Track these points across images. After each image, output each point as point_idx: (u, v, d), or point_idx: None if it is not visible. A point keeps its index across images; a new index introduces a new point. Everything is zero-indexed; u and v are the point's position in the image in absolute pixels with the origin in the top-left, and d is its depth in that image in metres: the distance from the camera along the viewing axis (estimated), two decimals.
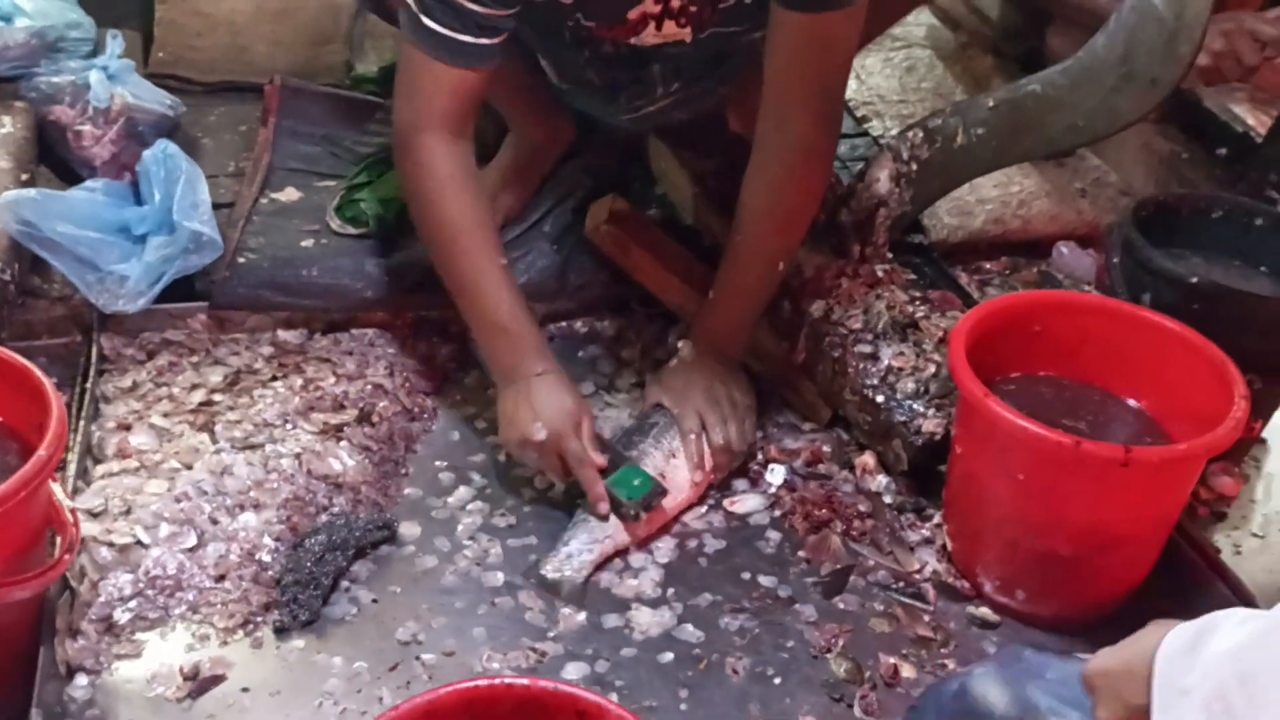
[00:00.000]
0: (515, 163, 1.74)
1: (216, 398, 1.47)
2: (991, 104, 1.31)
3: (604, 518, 1.34)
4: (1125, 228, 1.48)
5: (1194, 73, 1.50)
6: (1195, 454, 1.16)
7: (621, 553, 1.36)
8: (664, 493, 1.36)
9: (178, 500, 1.29)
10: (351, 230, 1.67)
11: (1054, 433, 1.16)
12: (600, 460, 1.36)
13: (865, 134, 2.07)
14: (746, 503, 1.46)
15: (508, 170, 1.74)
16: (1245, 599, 1.26)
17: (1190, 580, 1.30)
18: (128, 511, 1.27)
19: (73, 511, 1.14)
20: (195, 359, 1.54)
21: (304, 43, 2.04)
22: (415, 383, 1.57)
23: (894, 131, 2.05)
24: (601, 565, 1.33)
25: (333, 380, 1.51)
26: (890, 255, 1.62)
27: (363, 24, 2.11)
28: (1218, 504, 1.48)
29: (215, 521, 1.28)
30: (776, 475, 1.48)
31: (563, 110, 1.76)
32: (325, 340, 1.60)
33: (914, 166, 1.44)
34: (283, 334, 1.60)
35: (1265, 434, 1.57)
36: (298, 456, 1.38)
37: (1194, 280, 1.39)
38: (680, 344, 1.52)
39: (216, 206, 1.60)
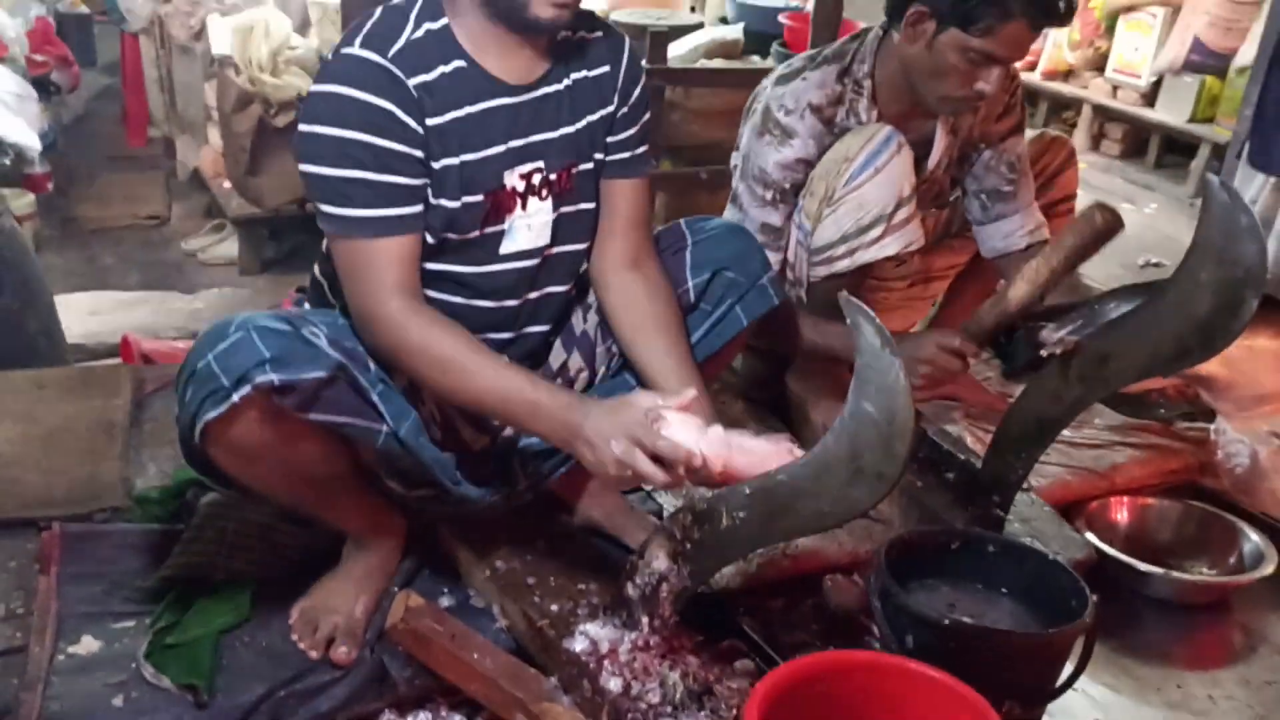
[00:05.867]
0: (362, 572, 1.78)
1: None
2: (748, 491, 1.46)
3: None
4: (880, 573, 1.64)
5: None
6: None
7: None
8: None
9: None
10: (171, 687, 1.59)
11: None
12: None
13: None
14: None
15: (356, 582, 1.77)
16: None
17: None
18: None
19: None
20: None
21: (78, 464, 2.03)
22: None
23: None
24: None
25: None
26: (677, 618, 1.72)
27: (139, 436, 2.14)
28: None
29: None
30: None
31: (395, 512, 1.82)
32: None
33: (688, 545, 1.56)
34: None
35: None
36: None
37: (946, 623, 1.55)
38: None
39: None
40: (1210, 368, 1.89)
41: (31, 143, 4.03)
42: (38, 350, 2.43)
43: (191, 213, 4.58)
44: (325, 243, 1.71)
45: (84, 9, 6.14)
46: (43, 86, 4.82)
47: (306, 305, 1.77)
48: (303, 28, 4.27)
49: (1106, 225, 1.81)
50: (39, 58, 4.92)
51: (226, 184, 4.26)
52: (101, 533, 1.87)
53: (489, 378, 1.52)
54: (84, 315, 3.35)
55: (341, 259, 1.56)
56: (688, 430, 1.44)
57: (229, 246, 4.19)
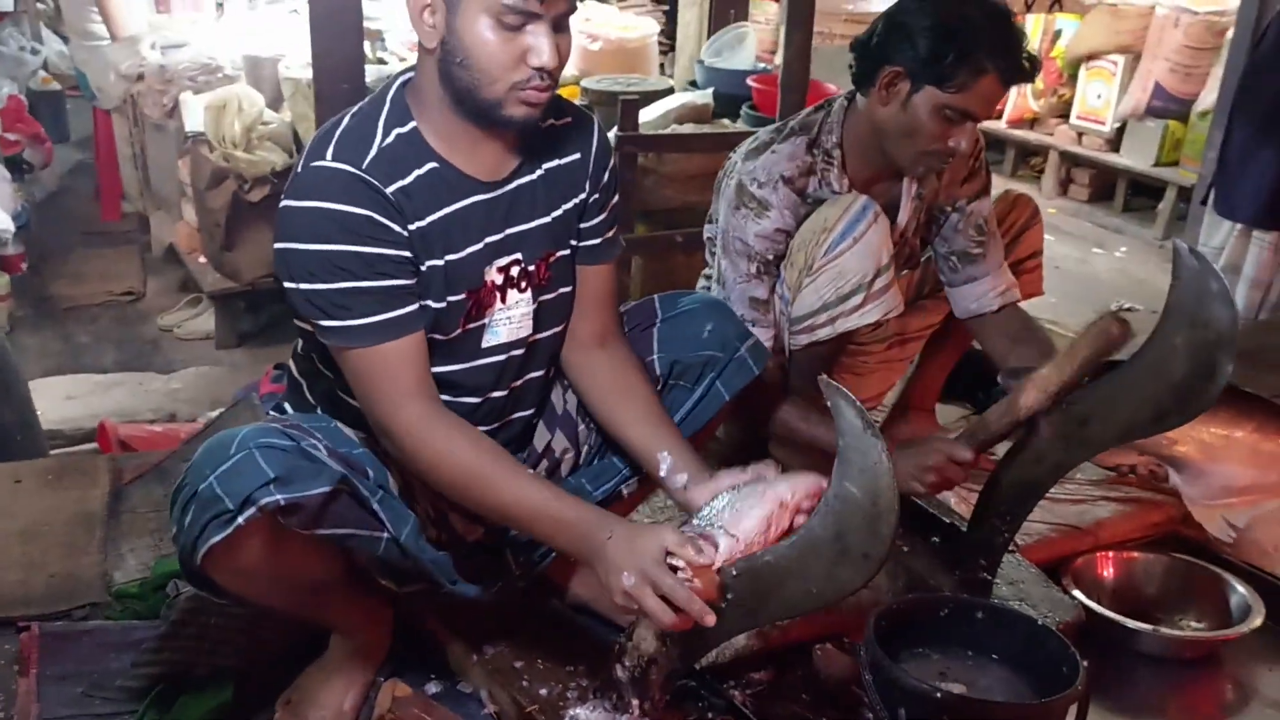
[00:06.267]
0: (349, 663, 1.76)
1: None
2: (735, 573, 1.45)
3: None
4: (870, 645, 1.64)
5: None
6: None
7: None
8: None
9: None
10: None
11: None
12: (704, 559, 1.40)
13: None
14: None
15: (343, 673, 1.76)
16: None
17: None
18: None
19: None
20: None
21: (57, 560, 2.00)
22: None
23: None
24: None
25: None
26: (667, 699, 1.70)
27: (117, 527, 2.12)
28: None
29: None
30: None
31: (382, 601, 1.80)
32: None
33: None
34: None
35: None
36: None
37: (939, 696, 1.54)
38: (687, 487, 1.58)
39: None
40: (1186, 451, 1.90)
41: (4, 225, 4.03)
42: (13, 442, 2.41)
43: (167, 288, 4.57)
44: (300, 343, 1.71)
45: (56, 86, 6.17)
46: (15, 166, 4.83)
47: (288, 406, 1.76)
48: (275, 103, 4.28)
49: (1120, 336, 1.81)
50: (11, 136, 4.93)
51: (202, 259, 4.25)
52: (81, 631, 1.84)
53: (513, 491, 1.51)
54: (60, 400, 3.32)
55: (349, 370, 1.54)
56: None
57: (205, 321, 4.18)
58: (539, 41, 1.47)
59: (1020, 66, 2.01)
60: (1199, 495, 1.95)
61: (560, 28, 1.51)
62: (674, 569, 1.41)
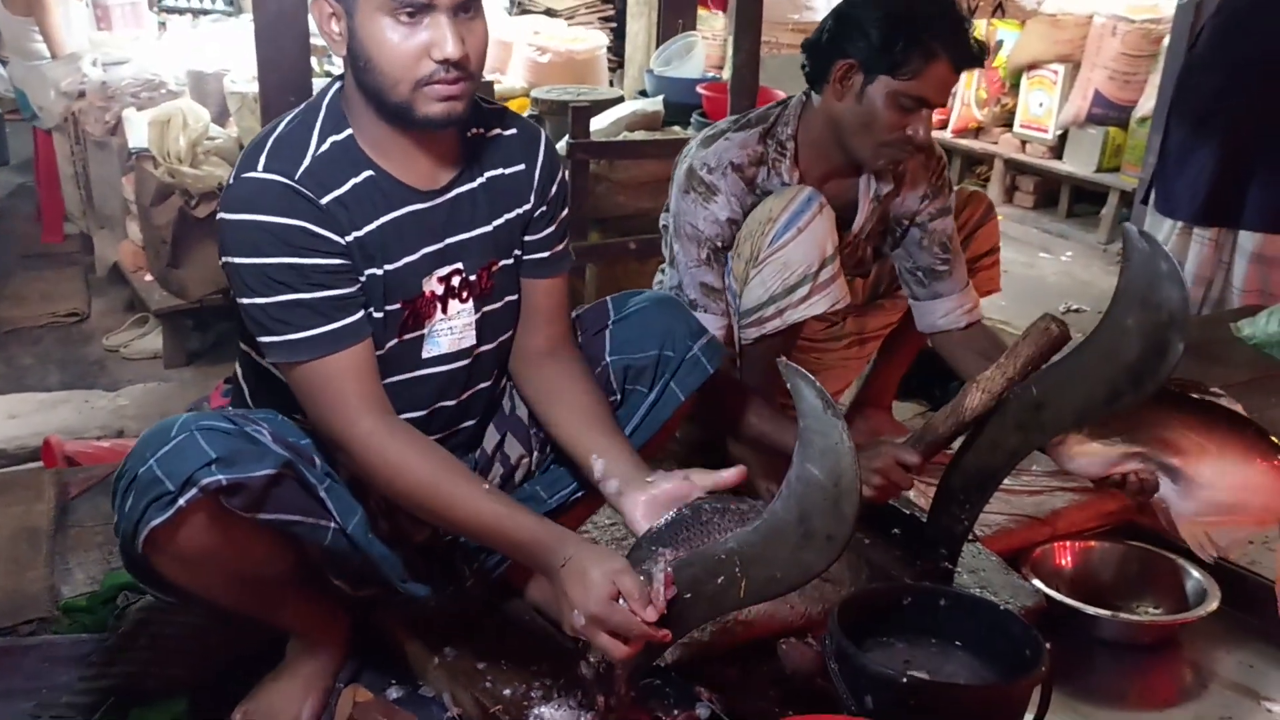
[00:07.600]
0: (308, 670, 1.73)
1: None
2: (692, 561, 1.44)
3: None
4: (835, 634, 1.63)
5: None
6: None
7: None
8: None
9: None
10: None
11: None
12: (651, 613, 1.38)
13: None
14: None
15: (302, 681, 1.72)
16: None
17: None
18: None
19: None
20: None
21: (2, 576, 1.95)
22: None
23: None
24: None
25: None
26: (633, 695, 1.69)
27: (64, 542, 2.07)
28: None
29: None
30: None
31: (339, 606, 1.77)
32: None
33: None
34: None
35: None
36: None
37: (905, 681, 1.54)
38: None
39: None
40: (1185, 463, 1.90)
41: None
42: None
43: (112, 308, 4.49)
44: (243, 355, 1.69)
45: None
46: None
47: (232, 409, 1.73)
48: (221, 118, 4.24)
49: (1060, 336, 1.82)
50: None
51: (148, 277, 4.18)
52: (28, 647, 1.79)
53: (468, 509, 1.49)
54: (3, 419, 3.25)
55: (298, 387, 1.51)
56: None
57: (152, 340, 4.11)
58: (438, 33, 1.43)
59: (969, 52, 2.04)
60: (1188, 510, 1.97)
61: (465, 12, 1.46)
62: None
